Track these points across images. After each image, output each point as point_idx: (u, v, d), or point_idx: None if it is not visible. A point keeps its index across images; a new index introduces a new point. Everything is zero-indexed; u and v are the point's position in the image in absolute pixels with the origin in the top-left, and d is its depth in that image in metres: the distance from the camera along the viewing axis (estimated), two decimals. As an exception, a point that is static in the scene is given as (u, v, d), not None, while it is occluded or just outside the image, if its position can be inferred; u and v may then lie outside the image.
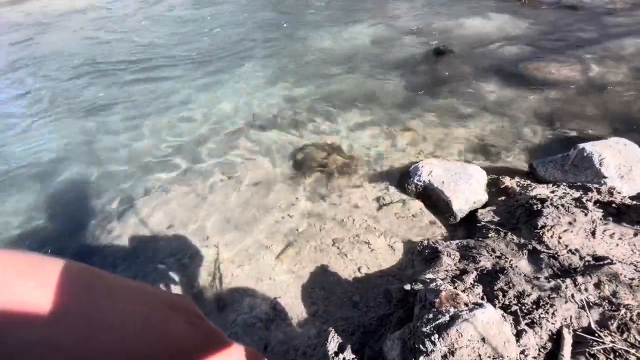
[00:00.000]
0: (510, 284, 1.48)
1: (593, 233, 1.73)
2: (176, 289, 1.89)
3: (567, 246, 1.67)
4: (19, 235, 2.30)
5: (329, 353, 1.42)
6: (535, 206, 1.91)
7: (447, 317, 1.14)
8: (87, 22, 6.22)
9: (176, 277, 1.95)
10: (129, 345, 0.29)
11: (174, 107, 3.52)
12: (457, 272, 1.64)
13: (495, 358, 1.06)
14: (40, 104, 3.73)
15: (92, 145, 3.05)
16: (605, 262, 1.52)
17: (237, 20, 5.96)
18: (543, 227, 1.77)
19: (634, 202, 1.87)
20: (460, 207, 2.12)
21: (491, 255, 1.70)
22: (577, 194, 2.00)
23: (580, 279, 1.45)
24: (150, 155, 2.89)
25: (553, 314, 1.33)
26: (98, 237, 2.22)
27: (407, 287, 1.55)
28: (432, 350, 1.08)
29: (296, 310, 1.72)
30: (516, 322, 1.30)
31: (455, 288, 1.44)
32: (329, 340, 1.46)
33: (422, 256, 1.87)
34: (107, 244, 2.17)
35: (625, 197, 1.94)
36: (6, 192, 2.63)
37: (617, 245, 1.66)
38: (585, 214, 1.82)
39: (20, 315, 0.25)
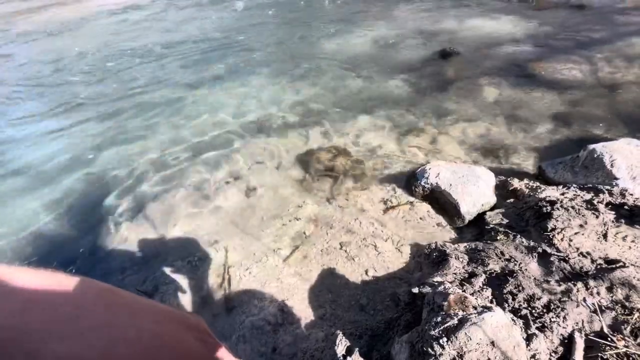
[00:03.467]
0: (520, 287, 1.46)
1: (605, 236, 1.70)
2: (185, 292, 1.91)
3: (578, 249, 1.64)
4: (31, 239, 2.35)
5: (337, 356, 1.42)
6: (544, 208, 1.89)
7: (455, 321, 1.13)
8: (96, 29, 6.37)
9: (185, 280, 1.97)
10: (145, 359, 0.31)
11: (182, 112, 3.58)
12: (466, 275, 1.63)
13: (505, 362, 1.05)
14: (50, 108, 3.82)
15: (102, 150, 3.11)
16: (618, 265, 1.50)
17: (242, 24, 6.04)
18: (553, 229, 1.75)
19: (647, 204, 1.83)
20: (468, 209, 2.10)
21: (500, 258, 1.68)
22: (587, 196, 1.97)
23: (592, 283, 1.43)
24: (159, 160, 2.94)
25: (564, 317, 1.31)
26: (108, 241, 2.26)
27: (415, 290, 1.54)
28: (441, 354, 1.08)
29: (304, 313, 1.72)
30: (526, 326, 1.28)
31: (464, 291, 1.42)
32: (336, 344, 1.46)
33: (430, 259, 1.86)
34: (117, 248, 2.21)
35: (638, 198, 1.90)
36: (17, 196, 2.70)
37: (630, 248, 1.63)
38: (597, 216, 1.79)
39: (52, 331, 0.27)
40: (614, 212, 1.82)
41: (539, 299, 1.40)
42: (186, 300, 1.87)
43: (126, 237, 2.27)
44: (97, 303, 0.31)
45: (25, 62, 5.20)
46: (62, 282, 0.31)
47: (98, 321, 0.30)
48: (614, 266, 1.49)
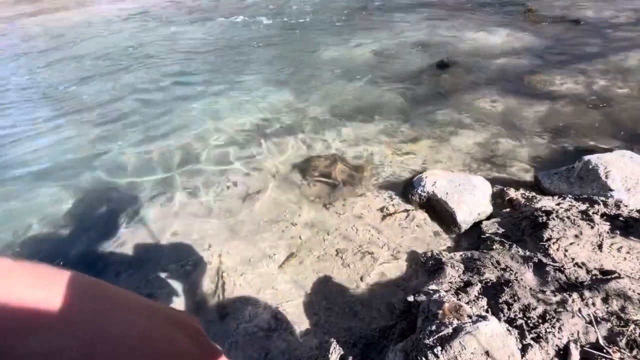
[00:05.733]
0: (516, 297, 1.46)
1: (600, 246, 1.70)
2: (179, 297, 1.89)
3: (573, 259, 1.64)
4: (26, 240, 2.32)
5: (331, 364, 1.40)
6: (540, 218, 1.90)
7: (450, 329, 1.12)
8: (99, 33, 6.42)
9: (179, 285, 1.95)
10: (131, 357, 0.29)
11: (181, 118, 3.59)
12: (461, 284, 1.62)
13: (500, 372, 1.04)
14: (51, 111, 3.83)
15: (100, 153, 3.11)
16: (613, 276, 1.50)
17: (243, 34, 6.11)
18: (549, 239, 1.75)
19: (642, 216, 1.84)
20: (465, 218, 2.11)
21: (496, 268, 1.68)
22: (583, 207, 1.98)
23: (587, 293, 1.43)
24: (155, 164, 2.93)
25: (560, 328, 1.30)
26: (102, 244, 2.24)
27: (410, 298, 1.53)
28: (435, 363, 1.06)
29: (298, 320, 1.70)
30: (521, 336, 1.27)
31: (459, 300, 1.42)
32: (330, 352, 1.44)
33: (425, 267, 1.85)
34: (111, 250, 2.19)
35: (632, 210, 1.91)
36: (14, 197, 2.68)
37: (625, 259, 1.63)
38: (592, 227, 1.80)
39: (31, 325, 0.25)
40: (609, 223, 1.83)
41: (534, 309, 1.39)
42: (179, 305, 1.85)
43: (122, 240, 2.26)
44: (82, 296, 0.29)
45: (27, 64, 5.22)
46: (45, 274, 0.29)
47: (82, 316, 0.28)
48: (609, 277, 1.49)
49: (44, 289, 0.28)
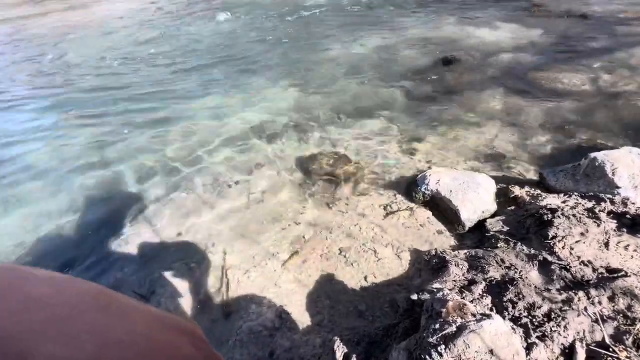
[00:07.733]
0: (521, 296, 1.45)
1: (607, 245, 1.68)
2: (183, 295, 1.90)
3: (579, 258, 1.63)
4: (32, 241, 2.35)
5: (335, 363, 1.40)
6: (546, 216, 1.88)
7: (454, 328, 1.12)
8: (103, 35, 6.46)
9: (183, 283, 1.96)
10: None
11: (185, 118, 3.60)
12: (466, 283, 1.61)
13: (505, 371, 1.03)
14: (53, 112, 3.86)
15: (103, 153, 3.13)
16: (620, 274, 1.48)
17: (246, 33, 6.11)
18: (554, 237, 1.74)
19: (650, 214, 1.81)
20: (469, 216, 2.09)
21: (500, 266, 1.67)
22: (589, 205, 1.96)
23: (593, 292, 1.41)
24: (160, 163, 2.95)
25: (565, 327, 1.29)
26: (107, 242, 2.26)
27: (414, 297, 1.53)
28: (439, 362, 1.06)
29: (302, 318, 1.71)
30: (527, 335, 1.26)
31: (463, 299, 1.41)
32: (334, 350, 1.44)
33: (429, 266, 1.85)
34: (115, 249, 2.21)
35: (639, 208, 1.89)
36: (20, 198, 2.71)
37: (632, 257, 1.61)
38: (598, 225, 1.78)
39: (45, 332, 0.26)
40: (615, 221, 1.81)
41: (539, 307, 1.38)
42: (184, 304, 1.86)
43: (126, 239, 2.27)
44: (92, 305, 0.31)
45: (31, 65, 5.27)
46: (58, 282, 0.31)
47: (92, 324, 0.29)
48: (615, 276, 1.48)
49: (56, 297, 0.29)
